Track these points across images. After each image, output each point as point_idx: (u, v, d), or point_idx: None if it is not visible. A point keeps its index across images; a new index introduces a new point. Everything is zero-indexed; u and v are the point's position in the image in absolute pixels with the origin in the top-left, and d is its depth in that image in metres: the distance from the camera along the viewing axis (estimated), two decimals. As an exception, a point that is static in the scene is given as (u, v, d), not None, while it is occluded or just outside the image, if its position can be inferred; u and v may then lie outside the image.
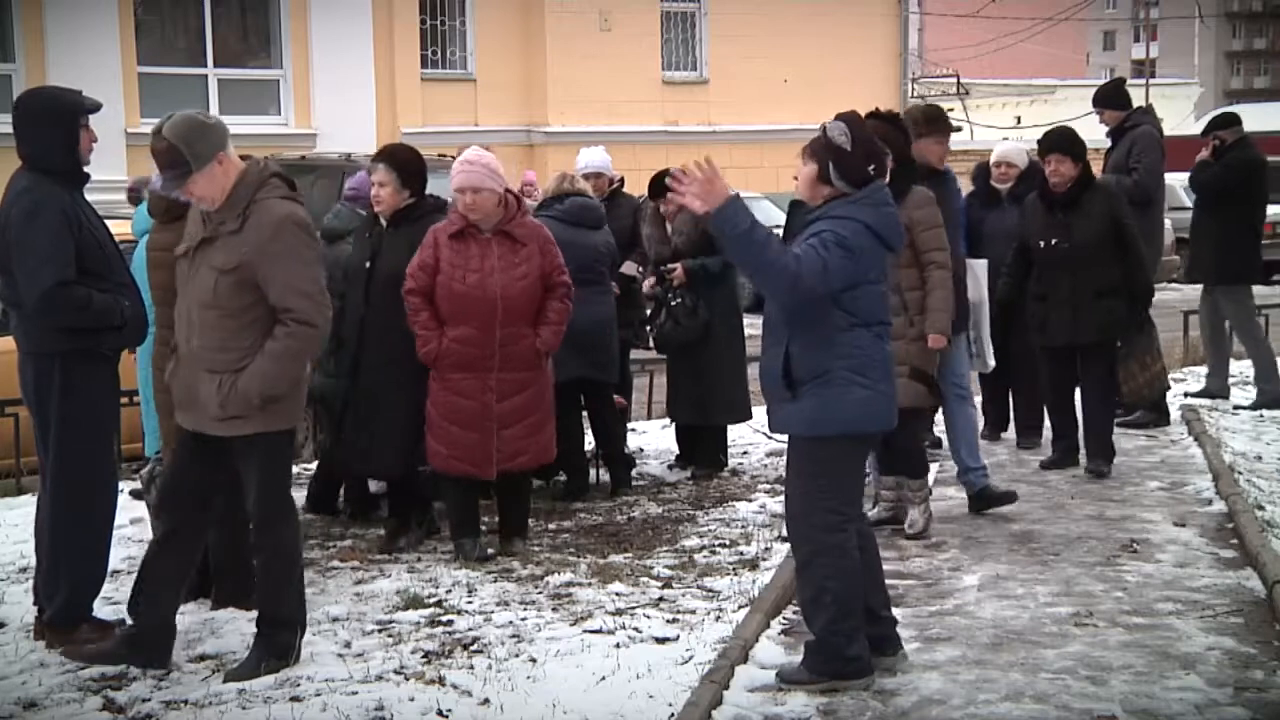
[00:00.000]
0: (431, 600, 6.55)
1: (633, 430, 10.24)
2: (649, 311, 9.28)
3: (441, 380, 7.17)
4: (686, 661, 5.62)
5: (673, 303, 8.95)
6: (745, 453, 9.74)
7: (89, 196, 6.09)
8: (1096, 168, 10.54)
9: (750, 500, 8.39)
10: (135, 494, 7.75)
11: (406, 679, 5.52)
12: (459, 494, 7.35)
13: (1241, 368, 11.79)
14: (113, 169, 17.34)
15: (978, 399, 9.10)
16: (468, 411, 7.13)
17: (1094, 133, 10.90)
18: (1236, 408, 10.90)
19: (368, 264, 7.42)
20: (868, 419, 5.38)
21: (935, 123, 8.10)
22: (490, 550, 7.30)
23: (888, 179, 5.53)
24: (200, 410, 5.61)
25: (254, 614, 6.36)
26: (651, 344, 9.28)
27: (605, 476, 9.01)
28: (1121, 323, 8.85)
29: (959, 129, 9.92)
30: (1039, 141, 9.06)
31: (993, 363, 8.33)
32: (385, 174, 7.37)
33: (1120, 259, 8.72)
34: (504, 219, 7.20)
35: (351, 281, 7.56)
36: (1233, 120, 10.98)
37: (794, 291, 5.23)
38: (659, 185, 9.10)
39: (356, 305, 7.47)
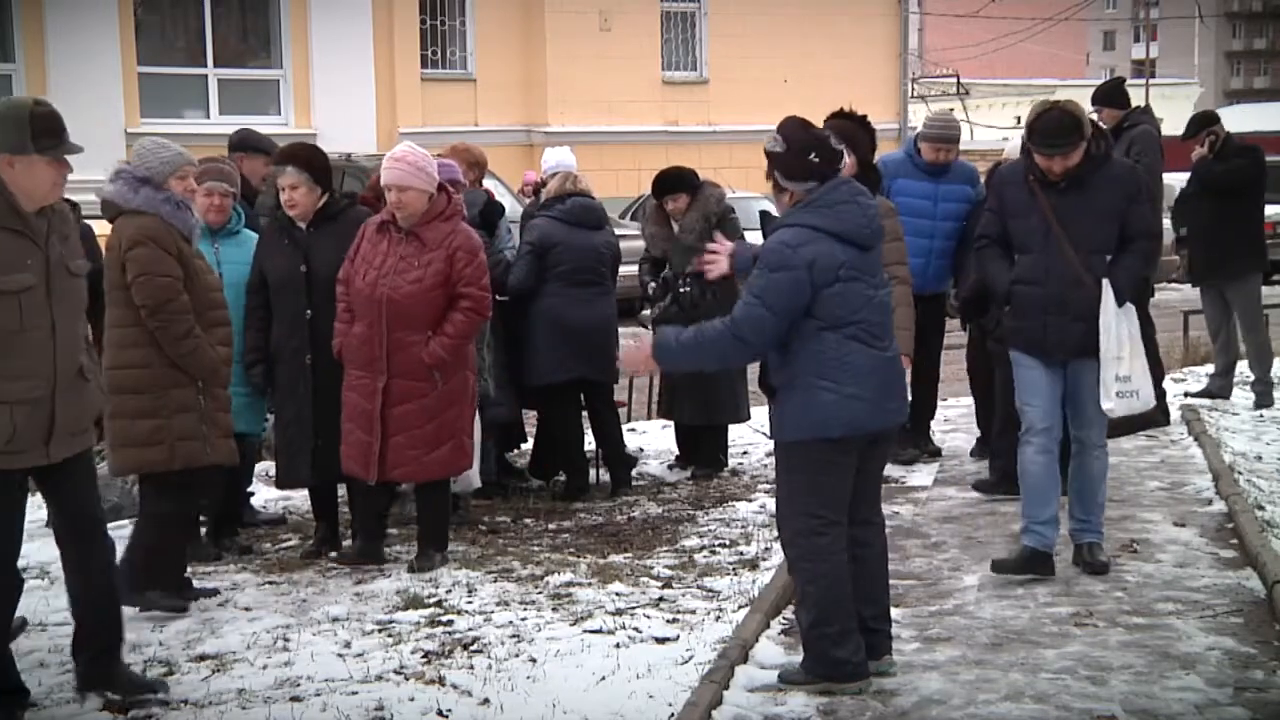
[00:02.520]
0: (431, 600, 6.55)
1: (632, 430, 10.25)
2: (652, 294, 9.20)
3: (347, 378, 7.07)
4: (686, 661, 5.62)
5: (680, 289, 8.91)
6: (745, 453, 9.73)
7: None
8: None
9: (750, 500, 8.39)
10: None
11: (406, 679, 5.53)
12: (360, 496, 7.25)
13: (1242, 368, 11.78)
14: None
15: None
16: (360, 411, 7.00)
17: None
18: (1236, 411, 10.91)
19: (303, 269, 7.18)
20: (834, 423, 5.32)
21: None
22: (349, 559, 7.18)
23: (843, 169, 5.48)
24: (87, 435, 5.34)
25: (253, 614, 6.39)
26: (649, 326, 9.19)
27: (605, 476, 9.02)
28: None
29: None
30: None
31: (1110, 405, 6.74)
32: (296, 176, 7.14)
33: None
34: (420, 220, 7.00)
35: (283, 289, 7.22)
36: (1216, 116, 11.13)
37: (747, 345, 5.36)
38: (662, 184, 9.10)
39: (296, 313, 7.20)
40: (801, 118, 5.55)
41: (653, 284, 9.08)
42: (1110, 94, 10.51)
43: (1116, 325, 6.67)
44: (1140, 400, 6.75)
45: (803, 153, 5.38)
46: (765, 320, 5.28)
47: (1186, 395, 11.16)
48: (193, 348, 6.33)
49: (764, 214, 5.83)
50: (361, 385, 6.99)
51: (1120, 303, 6.67)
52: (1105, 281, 6.68)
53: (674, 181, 9.05)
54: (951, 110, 10.33)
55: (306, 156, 7.25)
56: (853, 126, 6.58)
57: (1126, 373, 6.71)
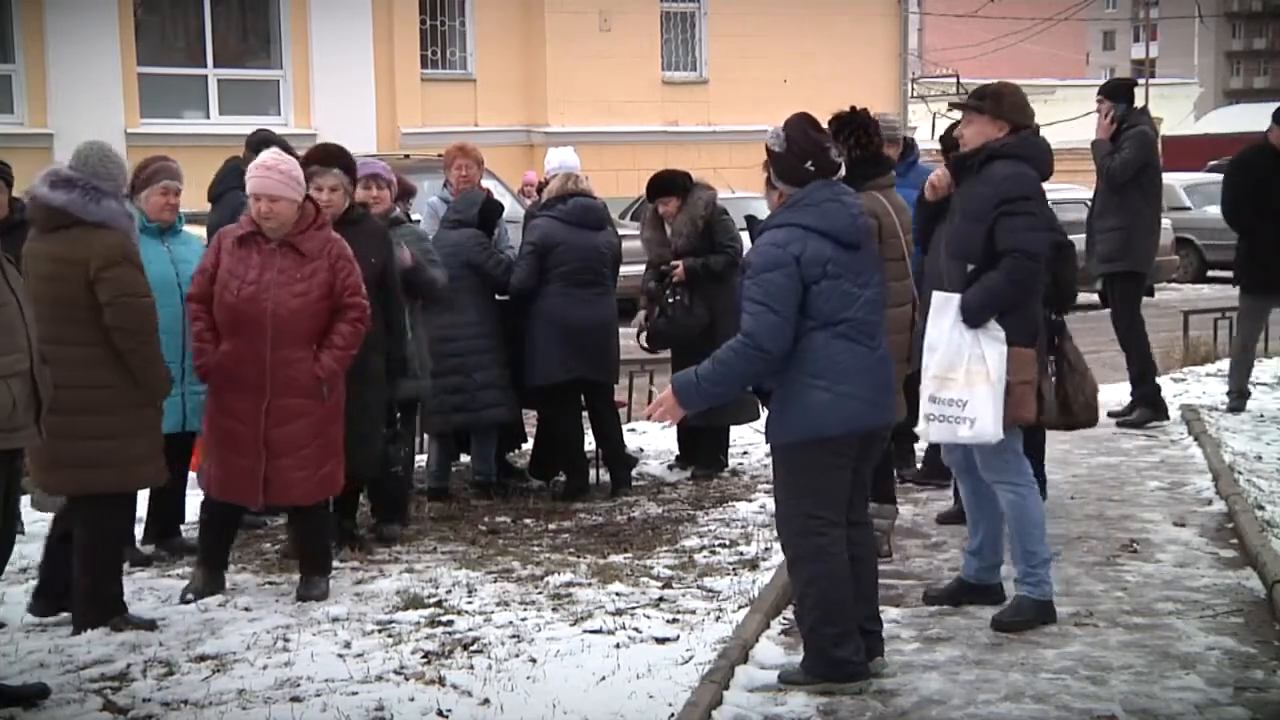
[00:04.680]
0: (431, 600, 6.55)
1: (632, 430, 10.25)
2: (644, 309, 9.20)
3: (216, 400, 6.63)
4: (686, 661, 5.62)
5: (669, 300, 8.92)
6: (745, 453, 9.73)
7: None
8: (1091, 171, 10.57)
9: (750, 500, 8.39)
10: None
11: (406, 679, 5.53)
12: (216, 521, 6.79)
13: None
14: (113, 169, 17.36)
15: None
16: (239, 437, 6.53)
17: (1093, 133, 10.89)
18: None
19: None
20: (829, 423, 5.32)
21: None
22: (199, 593, 6.64)
23: (839, 174, 5.47)
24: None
25: (253, 614, 6.39)
26: (644, 341, 9.19)
27: (605, 476, 9.02)
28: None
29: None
30: None
31: (921, 427, 6.32)
32: (340, 179, 7.13)
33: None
34: (293, 231, 6.58)
35: None
36: None
37: (771, 355, 5.26)
38: (657, 187, 9.10)
39: None
40: (810, 117, 5.52)
41: (651, 285, 9.05)
42: (1115, 89, 10.55)
43: (950, 344, 5.98)
44: (972, 430, 5.94)
45: (801, 158, 5.40)
46: (777, 324, 5.24)
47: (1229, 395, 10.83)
48: None
49: (750, 218, 5.82)
50: (238, 408, 6.53)
51: (969, 322, 5.95)
52: (937, 293, 6.09)
53: (665, 185, 9.05)
54: (950, 110, 10.28)
55: (347, 162, 7.24)
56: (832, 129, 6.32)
57: (957, 396, 5.96)
